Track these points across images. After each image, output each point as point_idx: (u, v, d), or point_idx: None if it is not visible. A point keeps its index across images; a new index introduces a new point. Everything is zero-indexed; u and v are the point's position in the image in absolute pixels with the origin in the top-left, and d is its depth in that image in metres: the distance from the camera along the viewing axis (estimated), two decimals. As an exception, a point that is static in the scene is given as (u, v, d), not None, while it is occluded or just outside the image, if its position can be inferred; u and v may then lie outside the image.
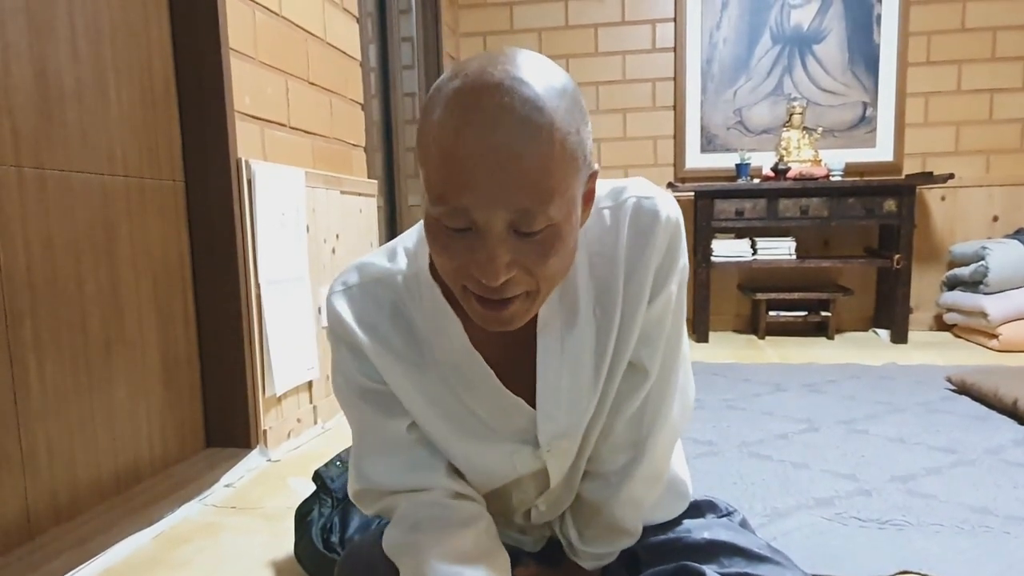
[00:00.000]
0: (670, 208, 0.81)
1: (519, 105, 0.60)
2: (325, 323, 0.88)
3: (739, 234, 3.51)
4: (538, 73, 0.63)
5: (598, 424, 0.87)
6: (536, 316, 0.79)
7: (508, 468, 0.87)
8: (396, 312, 0.83)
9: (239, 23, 1.83)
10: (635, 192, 0.81)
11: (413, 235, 0.85)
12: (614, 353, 0.83)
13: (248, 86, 1.87)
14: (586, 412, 0.84)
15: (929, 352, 3.11)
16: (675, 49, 3.69)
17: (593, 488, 0.92)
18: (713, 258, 3.43)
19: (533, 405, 0.83)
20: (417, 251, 0.82)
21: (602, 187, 0.82)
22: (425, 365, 0.82)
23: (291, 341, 2.00)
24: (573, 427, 0.85)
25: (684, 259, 0.84)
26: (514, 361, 0.82)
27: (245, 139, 1.85)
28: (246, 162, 1.81)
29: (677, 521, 0.99)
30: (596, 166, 0.71)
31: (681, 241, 0.82)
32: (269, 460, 1.89)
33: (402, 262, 0.83)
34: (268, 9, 1.98)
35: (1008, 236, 3.39)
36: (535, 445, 0.85)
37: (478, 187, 0.61)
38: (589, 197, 0.72)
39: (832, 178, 3.35)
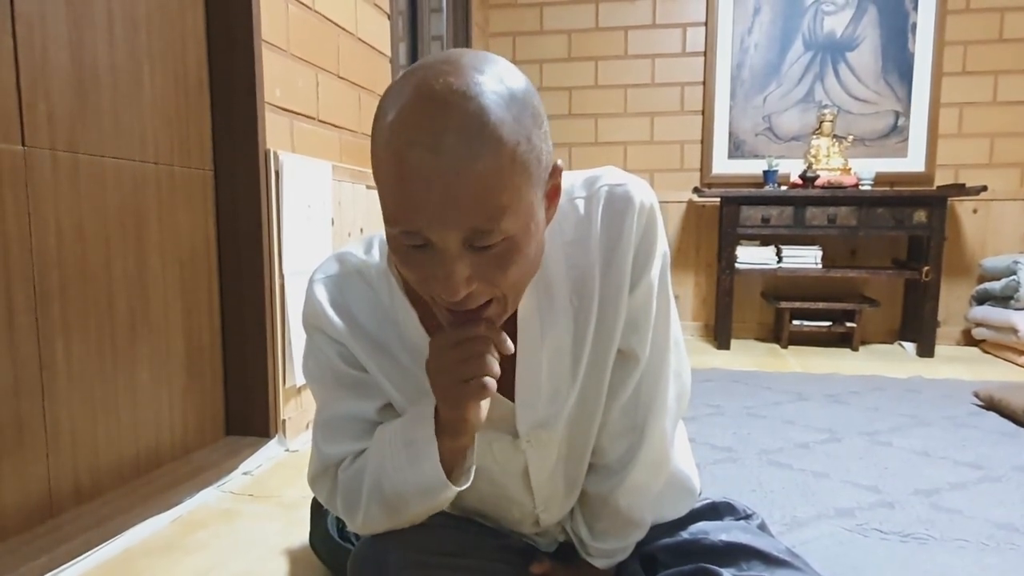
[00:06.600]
0: (644, 194, 0.80)
1: (463, 123, 0.59)
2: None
3: (764, 241, 3.47)
4: (483, 82, 0.61)
5: (584, 416, 0.87)
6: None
7: (487, 458, 0.87)
8: (373, 301, 0.84)
9: (272, 15, 1.85)
10: (608, 180, 0.81)
11: None
12: (594, 341, 0.82)
13: (279, 78, 1.89)
14: (566, 401, 0.85)
15: (956, 367, 3.05)
16: (705, 53, 3.66)
17: (598, 479, 0.92)
18: (737, 265, 3.39)
19: (509, 395, 0.83)
20: (384, 244, 0.84)
21: (576, 177, 0.82)
22: (398, 354, 0.83)
23: (313, 333, 2.01)
24: (553, 417, 0.85)
25: (663, 244, 0.83)
26: None
27: (274, 131, 1.86)
28: (275, 153, 1.83)
29: (694, 522, 0.99)
30: (559, 162, 0.70)
31: (657, 227, 0.81)
32: (287, 450, 1.90)
33: (376, 254, 0.85)
34: (301, 3, 1.99)
35: (1042, 251, 3.33)
36: (515, 435, 0.86)
37: (427, 209, 0.60)
38: (554, 193, 0.71)
39: (862, 187, 3.30)
